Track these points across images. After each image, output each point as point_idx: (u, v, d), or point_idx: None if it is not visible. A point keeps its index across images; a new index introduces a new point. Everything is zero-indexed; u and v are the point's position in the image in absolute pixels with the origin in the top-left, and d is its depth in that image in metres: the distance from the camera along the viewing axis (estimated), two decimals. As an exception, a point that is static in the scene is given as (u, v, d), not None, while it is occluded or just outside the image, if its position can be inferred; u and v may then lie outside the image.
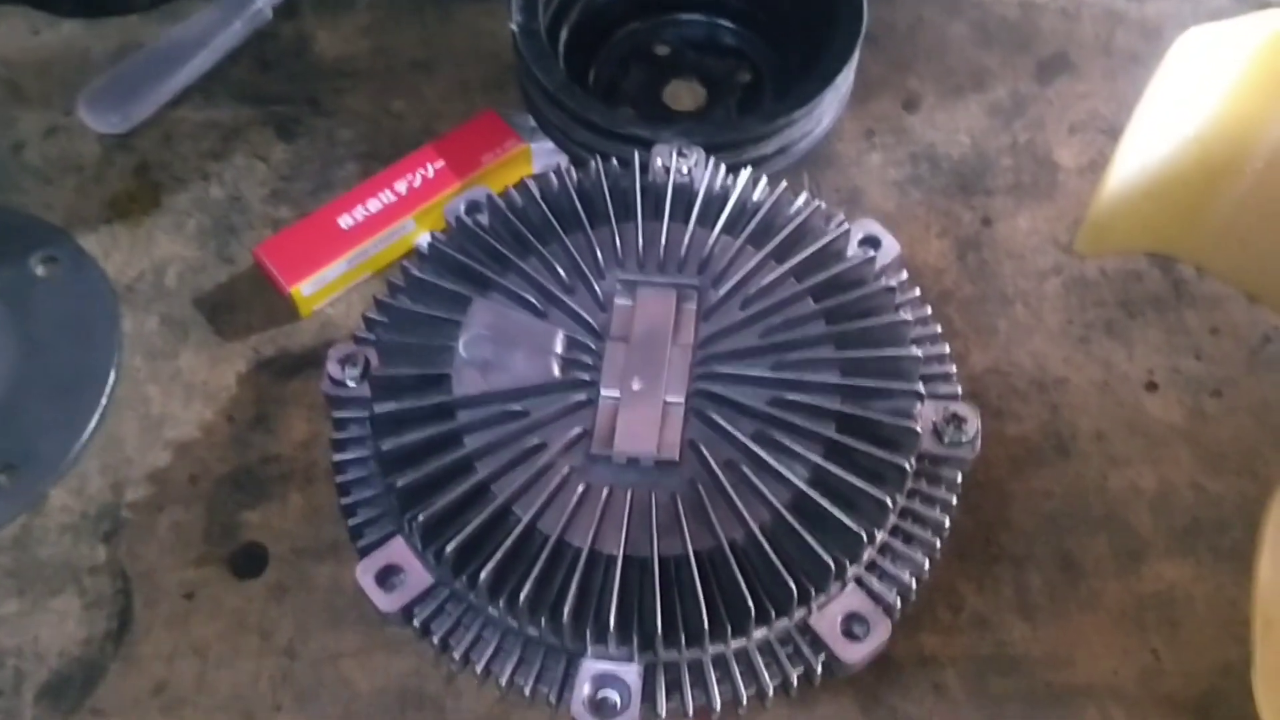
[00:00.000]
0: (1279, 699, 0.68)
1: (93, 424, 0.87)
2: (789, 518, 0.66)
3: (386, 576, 0.69)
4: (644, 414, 0.70)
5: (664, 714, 0.67)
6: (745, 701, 0.67)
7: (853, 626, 0.68)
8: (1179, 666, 0.79)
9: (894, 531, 0.70)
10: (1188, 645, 0.79)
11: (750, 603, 0.64)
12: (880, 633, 0.68)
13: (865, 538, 0.66)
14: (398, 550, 0.70)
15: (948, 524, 0.71)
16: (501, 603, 0.66)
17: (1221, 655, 0.79)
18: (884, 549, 0.70)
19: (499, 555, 0.66)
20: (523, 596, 0.65)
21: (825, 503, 0.67)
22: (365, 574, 0.69)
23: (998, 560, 0.82)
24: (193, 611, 0.81)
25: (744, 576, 0.65)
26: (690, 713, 0.67)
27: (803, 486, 0.67)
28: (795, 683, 0.68)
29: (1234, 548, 0.82)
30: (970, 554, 0.82)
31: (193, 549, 0.83)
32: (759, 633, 0.67)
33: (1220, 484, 0.84)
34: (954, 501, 0.72)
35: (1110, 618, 0.80)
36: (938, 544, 0.71)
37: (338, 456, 0.73)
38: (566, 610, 0.64)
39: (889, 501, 0.67)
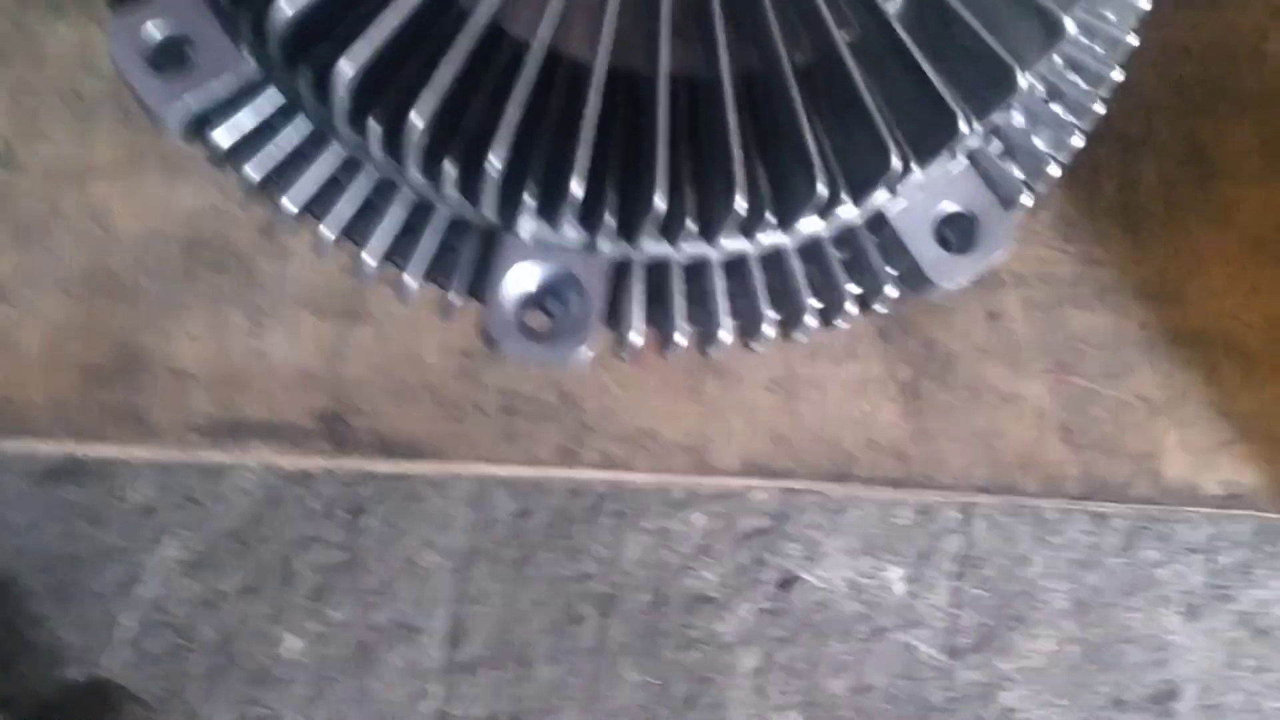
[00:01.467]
0: None
1: None
2: (889, 30, 0.38)
3: (166, 51, 0.39)
4: None
5: (634, 339, 0.40)
6: (760, 334, 0.41)
7: (950, 229, 0.42)
8: (1322, 318, 0.57)
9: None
10: (1340, 291, 0.57)
11: (813, 166, 0.37)
12: (995, 240, 0.41)
13: (1014, 78, 0.38)
14: (183, 4, 0.38)
15: (1115, 77, 0.44)
16: (379, 127, 0.37)
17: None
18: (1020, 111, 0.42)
19: (375, 40, 0.35)
20: (420, 120, 0.36)
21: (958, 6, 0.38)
22: (123, 42, 0.38)
23: (1102, 139, 0.56)
24: None
25: (805, 120, 0.37)
26: (674, 340, 0.40)
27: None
28: (845, 309, 0.41)
29: None
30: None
31: None
32: (808, 223, 0.40)
33: None
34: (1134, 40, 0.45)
35: (1242, 239, 0.57)
36: (1099, 105, 0.44)
37: None
38: (497, 153, 0.35)
39: (1061, 20, 0.39)
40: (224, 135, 0.40)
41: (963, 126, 0.37)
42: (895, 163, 0.37)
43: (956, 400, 0.54)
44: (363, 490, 0.53)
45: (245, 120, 0.40)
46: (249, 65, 0.39)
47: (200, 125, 0.40)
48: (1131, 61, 0.53)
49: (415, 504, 0.53)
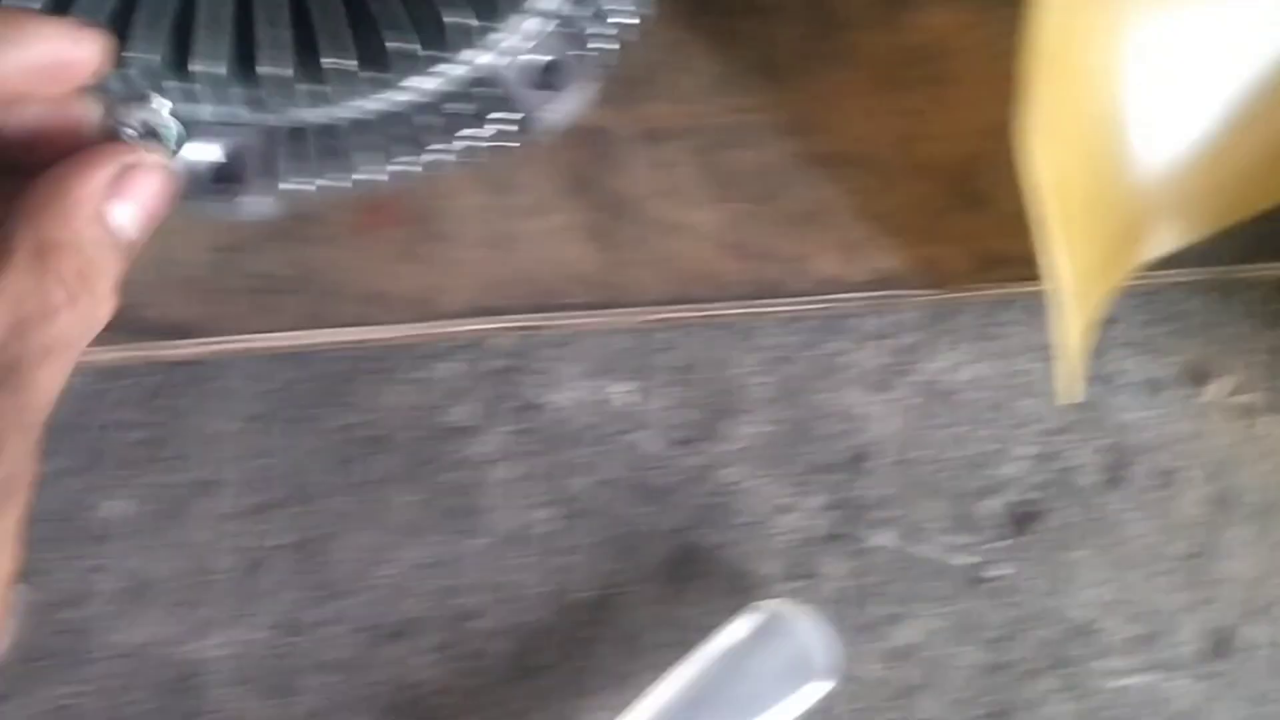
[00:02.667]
0: (1050, 147, 0.58)
1: None
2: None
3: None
4: None
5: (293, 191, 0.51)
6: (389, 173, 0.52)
7: (548, 78, 0.53)
8: (940, 129, 0.68)
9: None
10: (952, 106, 0.68)
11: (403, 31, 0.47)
12: (584, 83, 0.52)
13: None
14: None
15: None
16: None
17: (987, 115, 0.67)
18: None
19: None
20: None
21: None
22: None
23: (743, 13, 0.67)
24: None
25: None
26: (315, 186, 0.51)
27: None
28: (466, 146, 0.52)
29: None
30: (705, 5, 0.67)
31: None
32: (429, 82, 0.51)
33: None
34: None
35: (868, 75, 0.68)
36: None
37: None
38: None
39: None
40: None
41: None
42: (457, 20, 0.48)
43: (639, 234, 0.65)
44: (156, 379, 0.63)
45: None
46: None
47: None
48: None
49: (202, 383, 0.62)
